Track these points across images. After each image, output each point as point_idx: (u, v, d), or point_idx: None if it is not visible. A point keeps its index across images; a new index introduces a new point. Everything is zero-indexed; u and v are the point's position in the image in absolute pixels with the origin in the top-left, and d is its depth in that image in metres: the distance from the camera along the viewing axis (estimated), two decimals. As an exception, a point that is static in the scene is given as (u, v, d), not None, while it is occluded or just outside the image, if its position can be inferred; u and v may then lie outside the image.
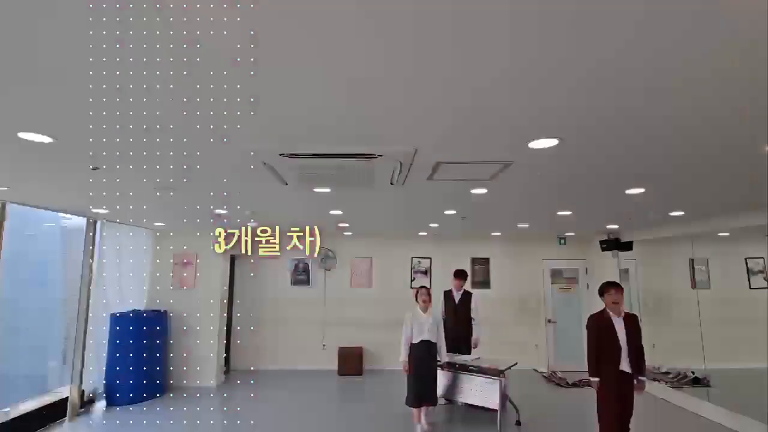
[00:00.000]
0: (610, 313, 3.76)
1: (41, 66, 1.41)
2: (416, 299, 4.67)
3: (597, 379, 3.71)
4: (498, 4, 1.07)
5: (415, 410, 4.64)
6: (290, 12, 1.11)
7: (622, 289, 3.79)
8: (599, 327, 3.77)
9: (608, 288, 3.80)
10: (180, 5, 1.08)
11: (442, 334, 4.71)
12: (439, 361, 4.76)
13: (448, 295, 5.79)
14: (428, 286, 4.86)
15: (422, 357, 4.53)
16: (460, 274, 5.73)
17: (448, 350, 5.47)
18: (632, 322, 3.74)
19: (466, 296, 5.71)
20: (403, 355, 4.58)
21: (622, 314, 3.75)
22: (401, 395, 6.04)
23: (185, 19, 1.14)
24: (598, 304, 7.69)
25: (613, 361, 3.63)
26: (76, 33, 1.21)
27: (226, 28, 1.18)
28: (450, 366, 5.13)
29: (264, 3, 1.07)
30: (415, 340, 4.54)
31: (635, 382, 3.67)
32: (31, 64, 1.40)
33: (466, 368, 5.01)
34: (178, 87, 1.56)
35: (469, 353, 5.56)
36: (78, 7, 1.09)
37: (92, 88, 1.56)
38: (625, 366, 3.64)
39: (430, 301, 4.65)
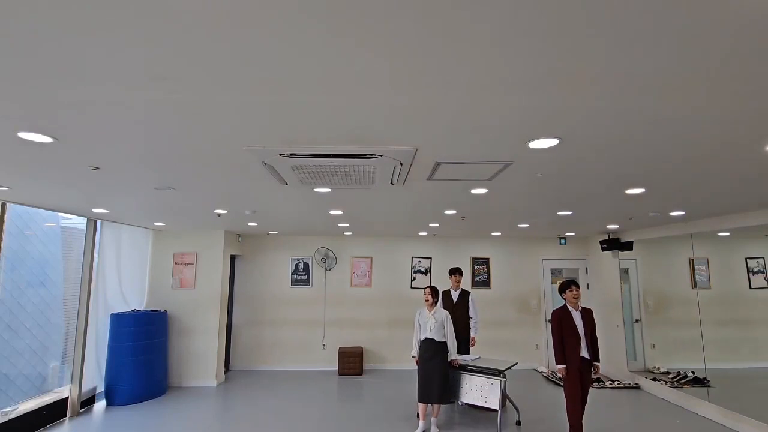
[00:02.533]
0: (570, 308, 4.37)
1: (42, 65, 1.41)
2: None
3: (563, 366, 4.28)
4: (499, 5, 1.07)
5: (420, 405, 4.69)
6: (289, 12, 1.11)
7: (577, 285, 4.43)
8: (561, 320, 4.36)
9: (570, 286, 4.40)
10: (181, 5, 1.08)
11: (450, 333, 4.72)
12: (453, 361, 4.77)
13: (446, 295, 5.81)
14: (433, 285, 4.87)
15: (424, 354, 4.67)
16: (455, 271, 5.80)
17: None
18: (588, 315, 4.37)
19: (464, 295, 5.74)
20: (413, 350, 4.85)
21: (580, 308, 4.38)
22: (402, 395, 6.07)
23: (184, 17, 1.14)
24: (596, 303, 7.73)
25: (575, 348, 4.26)
26: (78, 30, 1.21)
27: (225, 27, 1.18)
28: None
29: (263, 3, 1.07)
30: (421, 338, 4.73)
31: (592, 367, 4.32)
32: (32, 64, 1.40)
33: (466, 368, 5.01)
34: (176, 87, 1.56)
35: (468, 353, 5.57)
36: (81, 7, 1.09)
37: (93, 87, 1.57)
38: (584, 353, 4.27)
39: (433, 300, 4.69)
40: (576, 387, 4.23)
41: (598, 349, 4.39)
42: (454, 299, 5.73)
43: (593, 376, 4.32)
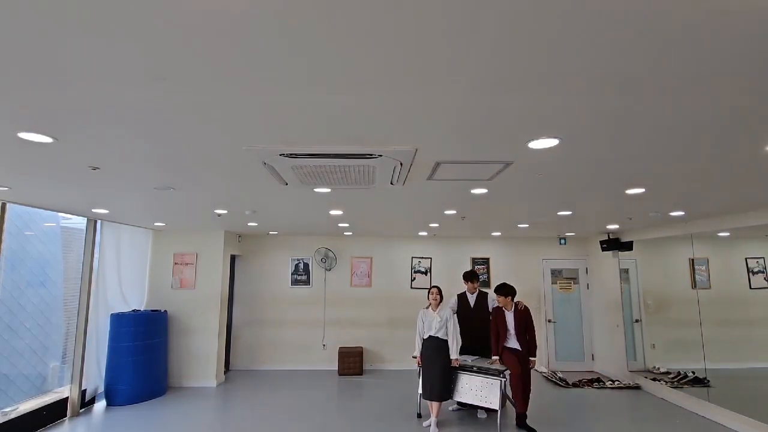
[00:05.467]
0: (503, 308, 5.02)
1: (42, 65, 1.41)
2: (428, 298, 4.99)
3: (497, 357, 4.94)
4: (499, 4, 1.07)
5: (429, 403, 4.78)
6: (289, 12, 1.11)
7: (504, 294, 4.97)
8: (496, 317, 5.05)
9: (496, 293, 5.02)
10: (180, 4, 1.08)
11: (453, 332, 4.78)
12: (453, 360, 4.80)
13: (462, 297, 5.45)
14: (439, 286, 5.03)
15: (427, 351, 4.82)
16: (470, 277, 5.39)
17: (469, 353, 5.29)
18: (520, 313, 4.95)
19: (482, 297, 5.38)
20: (415, 350, 5.01)
21: (512, 308, 4.99)
22: (402, 395, 6.06)
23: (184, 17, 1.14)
24: (596, 303, 7.72)
25: (504, 340, 4.98)
26: (78, 30, 1.21)
27: (225, 27, 1.18)
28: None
29: (263, 3, 1.07)
30: (425, 336, 4.89)
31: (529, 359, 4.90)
32: (32, 64, 1.40)
33: (466, 368, 5.01)
34: (177, 87, 1.56)
35: (489, 356, 5.17)
36: (80, 7, 1.09)
37: (92, 87, 1.57)
38: (512, 344, 4.94)
39: (439, 300, 4.89)
40: (513, 369, 4.78)
41: (535, 344, 4.95)
42: (471, 303, 5.37)
43: (530, 367, 4.89)
